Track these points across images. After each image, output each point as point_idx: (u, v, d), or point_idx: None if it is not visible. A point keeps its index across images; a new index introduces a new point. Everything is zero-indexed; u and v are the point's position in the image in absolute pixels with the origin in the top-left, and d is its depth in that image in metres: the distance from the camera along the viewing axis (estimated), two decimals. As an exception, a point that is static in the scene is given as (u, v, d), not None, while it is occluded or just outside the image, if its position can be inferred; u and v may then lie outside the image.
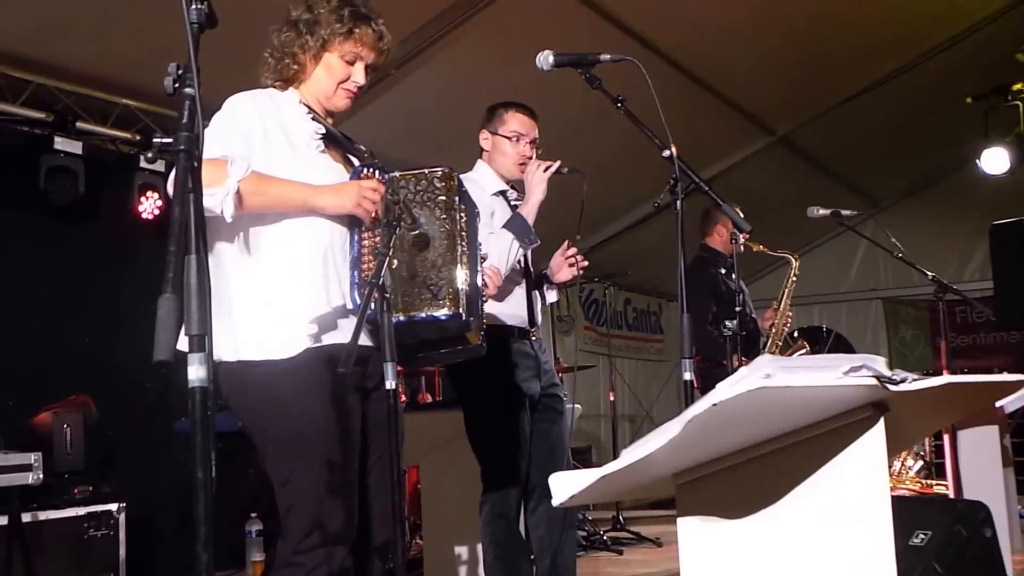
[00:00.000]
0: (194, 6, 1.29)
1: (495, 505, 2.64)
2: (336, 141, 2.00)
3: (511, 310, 2.76)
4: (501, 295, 2.71)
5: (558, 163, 2.67)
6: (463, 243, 1.95)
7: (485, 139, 2.86)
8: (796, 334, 4.31)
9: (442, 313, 1.89)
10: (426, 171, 1.99)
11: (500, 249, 2.62)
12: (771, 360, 1.26)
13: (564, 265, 2.81)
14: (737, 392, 1.18)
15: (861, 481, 1.30)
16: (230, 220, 1.71)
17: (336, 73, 1.97)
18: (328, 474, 1.78)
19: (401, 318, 1.88)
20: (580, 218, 2.69)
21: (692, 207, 2.26)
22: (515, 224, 2.66)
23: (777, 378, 1.20)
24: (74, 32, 3.42)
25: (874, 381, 1.25)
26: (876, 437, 1.30)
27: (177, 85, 1.26)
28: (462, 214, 1.98)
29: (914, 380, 1.30)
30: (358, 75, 1.98)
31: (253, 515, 4.07)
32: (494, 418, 2.67)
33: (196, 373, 1.21)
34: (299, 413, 1.79)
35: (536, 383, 2.75)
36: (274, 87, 1.99)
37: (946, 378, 1.40)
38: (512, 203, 2.83)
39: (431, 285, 1.91)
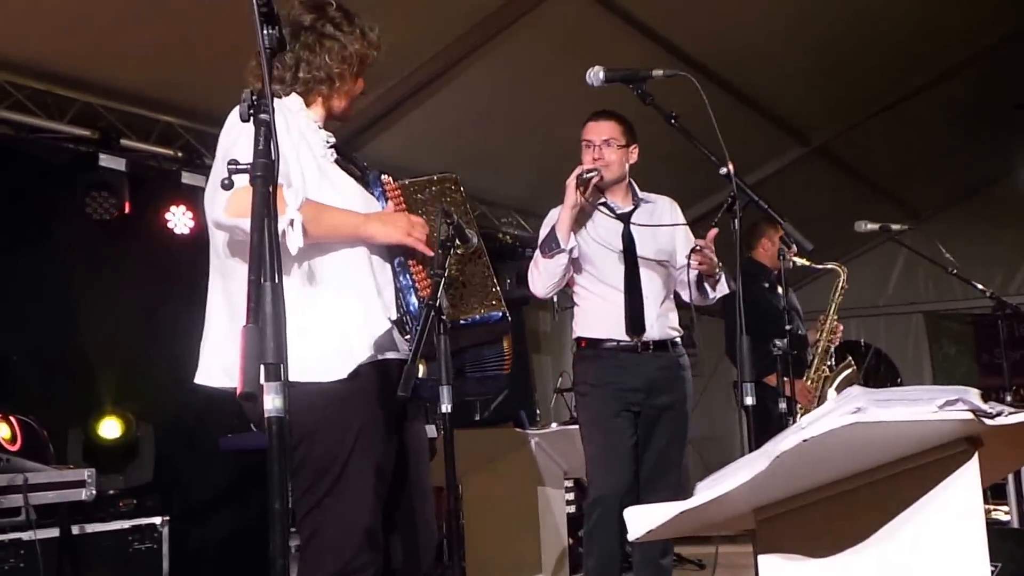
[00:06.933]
0: (266, 31, 1.29)
1: (596, 515, 2.70)
2: (339, 150, 1.90)
3: (613, 320, 2.76)
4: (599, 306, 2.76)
5: (581, 168, 2.65)
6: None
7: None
8: (832, 351, 4.12)
9: (496, 313, 1.85)
10: (435, 177, 1.95)
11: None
12: (862, 392, 1.21)
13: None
14: (829, 427, 1.14)
15: (955, 519, 1.25)
16: (295, 252, 1.61)
17: (355, 91, 1.92)
18: (360, 499, 1.74)
19: (463, 321, 1.84)
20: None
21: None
22: (545, 235, 2.70)
23: (870, 412, 1.16)
24: (119, 51, 3.46)
25: (970, 415, 1.20)
26: (971, 472, 1.25)
27: (252, 112, 1.26)
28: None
29: (1010, 413, 1.25)
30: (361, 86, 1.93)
31: (292, 530, 4.05)
32: (593, 428, 2.75)
33: (272, 403, 1.19)
34: (340, 436, 1.73)
35: (638, 393, 2.74)
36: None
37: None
38: (617, 212, 2.82)
39: (482, 288, 1.88)
